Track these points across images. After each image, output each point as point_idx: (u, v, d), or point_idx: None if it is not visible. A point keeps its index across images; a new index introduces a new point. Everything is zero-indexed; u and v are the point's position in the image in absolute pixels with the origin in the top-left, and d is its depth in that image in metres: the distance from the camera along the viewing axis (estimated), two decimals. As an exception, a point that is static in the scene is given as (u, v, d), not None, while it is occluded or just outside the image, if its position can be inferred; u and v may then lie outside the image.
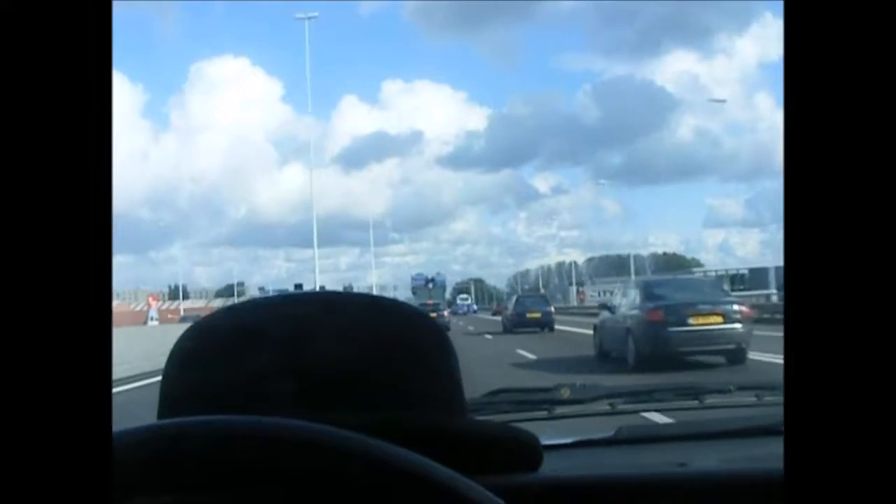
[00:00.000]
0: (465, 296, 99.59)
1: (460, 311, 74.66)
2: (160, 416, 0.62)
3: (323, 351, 0.61)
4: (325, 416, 0.48)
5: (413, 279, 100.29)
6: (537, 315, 25.71)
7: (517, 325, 25.51)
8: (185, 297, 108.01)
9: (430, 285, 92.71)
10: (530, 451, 0.73)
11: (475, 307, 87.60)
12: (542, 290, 66.15)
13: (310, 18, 40.14)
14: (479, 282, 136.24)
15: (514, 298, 29.13)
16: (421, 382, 0.64)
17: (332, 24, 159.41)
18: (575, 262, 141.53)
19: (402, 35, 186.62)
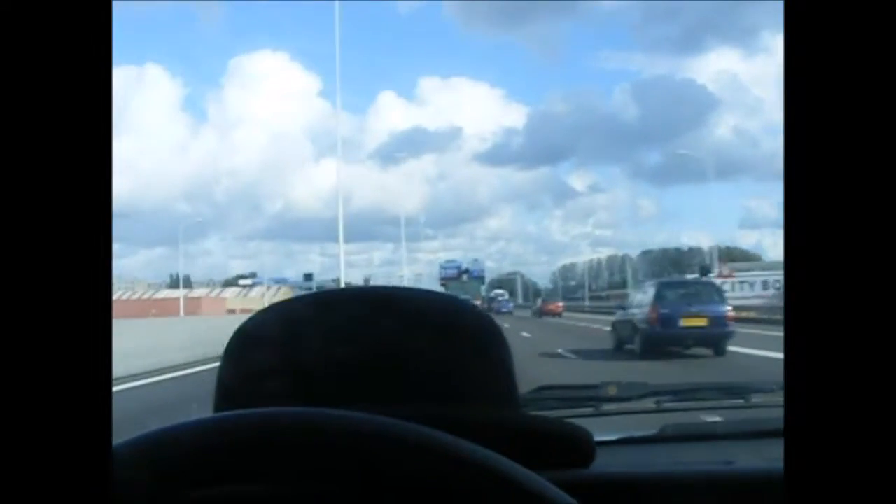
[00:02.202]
0: (501, 291, 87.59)
1: (504, 310, 65.07)
2: (216, 408, 0.67)
3: (376, 344, 0.66)
4: (381, 408, 0.51)
5: (442, 268, 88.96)
6: (701, 320, 13.87)
7: (660, 340, 14.06)
8: (188, 286, 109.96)
9: (465, 277, 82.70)
10: (583, 447, 0.77)
11: (511, 305, 73.49)
12: (714, 276, 41.00)
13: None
14: (519, 276, 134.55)
15: (651, 286, 15.63)
16: (475, 375, 0.69)
17: (369, 20, 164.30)
18: (628, 256, 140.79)
19: (439, 32, 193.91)
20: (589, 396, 1.63)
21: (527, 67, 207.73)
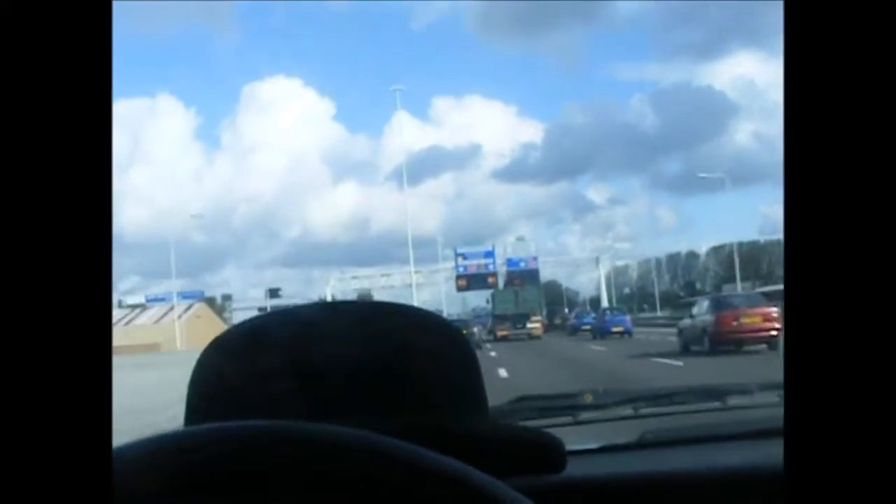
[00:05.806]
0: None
1: (583, 324, 43.34)
2: (186, 424, 0.76)
3: (335, 357, 0.75)
4: (342, 420, 0.57)
5: (461, 258, 59.79)
6: None
7: None
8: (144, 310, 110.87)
9: (517, 282, 53.43)
10: (554, 455, 0.83)
11: (626, 319, 39.27)
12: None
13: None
14: (556, 284, 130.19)
15: None
16: (439, 386, 0.78)
17: (380, 41, 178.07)
18: (693, 252, 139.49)
19: (451, 51, 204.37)
20: (566, 405, 1.78)
21: (543, 81, 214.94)
